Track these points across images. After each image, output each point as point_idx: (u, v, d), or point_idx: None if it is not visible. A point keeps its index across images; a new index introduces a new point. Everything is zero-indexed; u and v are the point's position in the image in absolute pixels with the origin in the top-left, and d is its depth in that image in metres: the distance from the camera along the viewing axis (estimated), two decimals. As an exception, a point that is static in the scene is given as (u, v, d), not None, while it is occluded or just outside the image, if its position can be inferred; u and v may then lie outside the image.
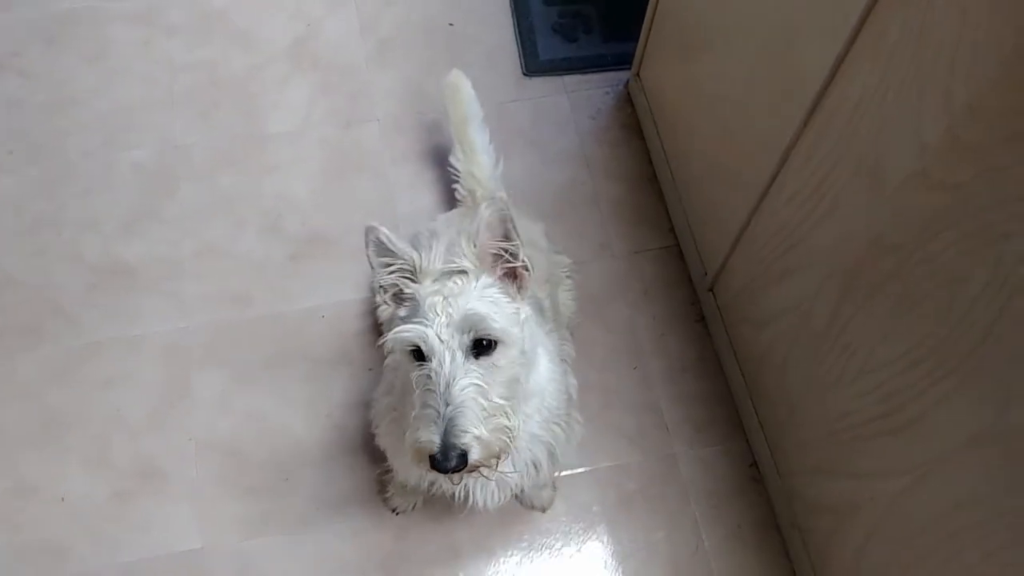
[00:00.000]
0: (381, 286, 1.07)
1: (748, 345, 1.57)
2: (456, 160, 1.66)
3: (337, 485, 1.58)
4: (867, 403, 1.18)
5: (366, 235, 1.04)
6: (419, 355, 1.01)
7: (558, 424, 1.26)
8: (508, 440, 1.03)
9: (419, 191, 1.87)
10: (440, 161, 1.89)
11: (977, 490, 0.99)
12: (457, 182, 1.67)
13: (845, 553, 1.34)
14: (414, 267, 1.04)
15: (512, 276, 1.07)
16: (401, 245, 1.04)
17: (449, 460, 0.96)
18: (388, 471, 1.52)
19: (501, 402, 1.02)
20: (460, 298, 1.01)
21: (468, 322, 0.99)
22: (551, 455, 1.26)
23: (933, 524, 1.09)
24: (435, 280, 1.04)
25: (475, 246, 1.03)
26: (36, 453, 1.59)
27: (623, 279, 1.77)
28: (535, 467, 1.25)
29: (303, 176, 1.88)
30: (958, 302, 0.96)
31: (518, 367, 1.06)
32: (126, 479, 1.58)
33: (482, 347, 1.00)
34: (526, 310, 1.08)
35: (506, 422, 1.02)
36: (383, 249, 1.05)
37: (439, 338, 0.98)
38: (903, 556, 1.17)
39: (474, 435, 0.97)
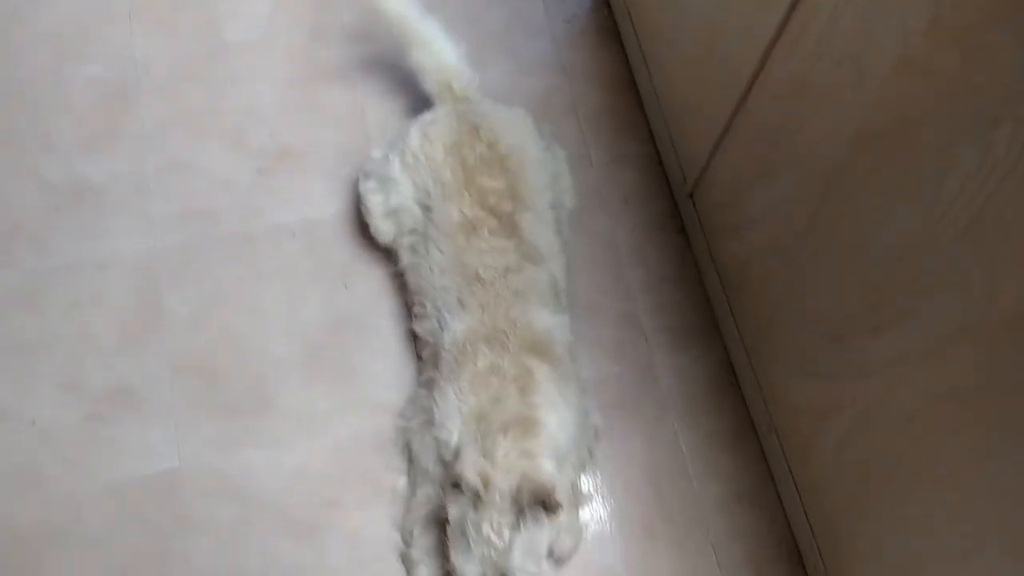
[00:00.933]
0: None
1: (728, 251, 1.55)
2: (416, 58, 1.58)
3: (317, 404, 1.57)
4: (849, 302, 1.17)
5: None
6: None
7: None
8: None
9: (390, 98, 1.80)
10: (410, 70, 1.81)
11: (960, 383, 0.99)
12: (422, 78, 1.59)
13: (823, 454, 1.35)
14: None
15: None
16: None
17: None
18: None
19: None
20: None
21: None
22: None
23: (914, 419, 1.09)
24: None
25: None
26: (4, 378, 1.56)
27: (603, 189, 1.74)
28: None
29: (268, 88, 1.80)
30: (944, 192, 0.94)
31: None
32: (99, 401, 1.55)
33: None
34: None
35: None
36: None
37: None
38: (883, 453, 1.18)
39: None
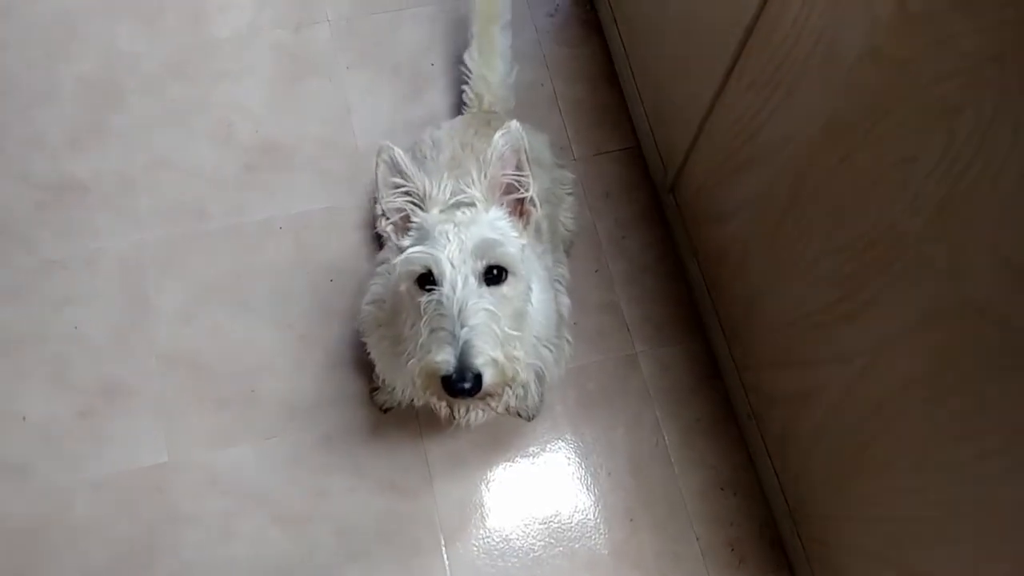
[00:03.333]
0: (384, 212, 1.03)
1: (708, 242, 1.57)
2: (470, 60, 1.59)
3: (306, 394, 1.58)
4: (823, 290, 1.19)
5: (378, 154, 1.00)
6: (426, 281, 0.98)
7: (547, 347, 1.24)
8: (518, 370, 1.00)
9: (375, 96, 1.82)
10: (394, 66, 1.84)
11: (927, 367, 1.01)
12: (467, 83, 1.60)
13: (800, 440, 1.37)
14: (423, 194, 1.02)
15: (519, 212, 1.05)
16: (413, 169, 1.01)
17: (465, 380, 0.93)
18: (376, 387, 1.53)
19: (512, 333, 0.99)
20: (472, 226, 0.99)
21: (482, 248, 0.97)
22: (539, 378, 1.26)
23: (886, 403, 1.11)
24: (443, 210, 1.01)
25: (486, 176, 1.02)
26: (-6, 372, 1.58)
27: (584, 182, 1.76)
28: (523, 390, 1.24)
29: (254, 83, 1.82)
30: (911, 180, 0.96)
31: (524, 301, 1.06)
32: (88, 396, 1.57)
33: (492, 276, 0.99)
34: (527, 245, 1.07)
35: (516, 352, 1.00)
36: (394, 170, 1.01)
37: (451, 263, 0.96)
38: (857, 437, 1.20)
39: (490, 356, 0.94)
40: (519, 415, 1.55)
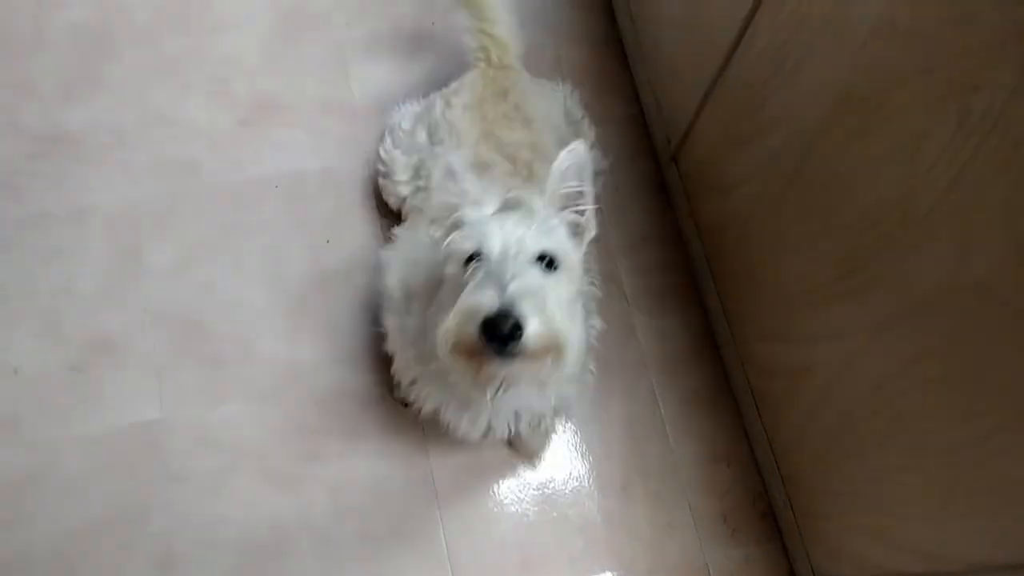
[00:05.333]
0: (434, 217, 1.01)
1: (709, 214, 1.56)
2: (469, 19, 1.47)
3: (301, 357, 1.57)
4: (823, 267, 1.18)
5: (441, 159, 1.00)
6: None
7: (572, 382, 1.19)
8: (563, 346, 0.89)
9: (374, 55, 1.78)
10: (395, 22, 1.80)
11: (932, 345, 1.01)
12: (471, 34, 1.48)
13: (796, 415, 1.37)
14: (476, 200, 0.99)
15: (573, 231, 1.03)
16: (471, 176, 1.00)
17: (508, 321, 0.82)
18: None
19: (559, 315, 0.89)
20: (530, 221, 0.94)
21: (537, 236, 0.93)
22: (556, 411, 1.27)
23: (886, 382, 1.11)
24: (496, 212, 0.98)
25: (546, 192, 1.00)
26: (-16, 325, 1.56)
27: (586, 148, 1.73)
28: (538, 421, 1.27)
29: (250, 37, 1.78)
30: (921, 158, 0.95)
31: (572, 299, 0.99)
32: (81, 351, 1.55)
33: (542, 264, 0.93)
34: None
35: (562, 331, 0.89)
36: (451, 176, 0.99)
37: (505, 242, 0.91)
38: (855, 414, 1.20)
39: (534, 308, 0.85)
40: (522, 453, 1.52)
